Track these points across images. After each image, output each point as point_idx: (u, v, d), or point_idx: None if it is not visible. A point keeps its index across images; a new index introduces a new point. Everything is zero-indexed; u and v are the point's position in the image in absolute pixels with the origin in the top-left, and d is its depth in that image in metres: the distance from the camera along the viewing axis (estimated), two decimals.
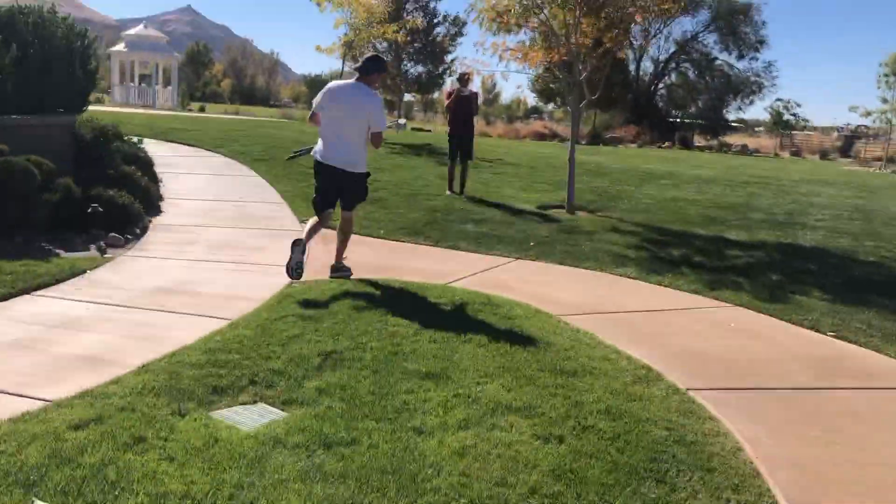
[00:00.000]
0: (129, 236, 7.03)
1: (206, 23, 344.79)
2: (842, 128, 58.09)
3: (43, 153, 7.09)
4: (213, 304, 5.08)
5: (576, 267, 6.88)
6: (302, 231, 6.04)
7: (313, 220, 5.92)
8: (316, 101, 5.77)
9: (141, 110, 25.81)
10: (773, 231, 9.29)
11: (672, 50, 48.34)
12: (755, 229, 9.31)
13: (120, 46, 32.54)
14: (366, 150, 5.70)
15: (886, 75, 31.20)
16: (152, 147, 12.29)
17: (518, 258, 7.11)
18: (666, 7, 8.99)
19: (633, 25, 9.43)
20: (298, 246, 5.59)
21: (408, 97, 48.60)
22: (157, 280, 5.63)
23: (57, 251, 6.31)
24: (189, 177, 10.27)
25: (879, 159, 32.69)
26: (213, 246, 6.89)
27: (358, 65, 5.84)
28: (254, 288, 5.51)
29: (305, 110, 53.76)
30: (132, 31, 32.82)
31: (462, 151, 10.59)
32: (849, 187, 16.76)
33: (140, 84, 34.20)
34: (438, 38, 41.06)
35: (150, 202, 8.20)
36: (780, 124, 47.22)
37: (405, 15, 30.05)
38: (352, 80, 5.77)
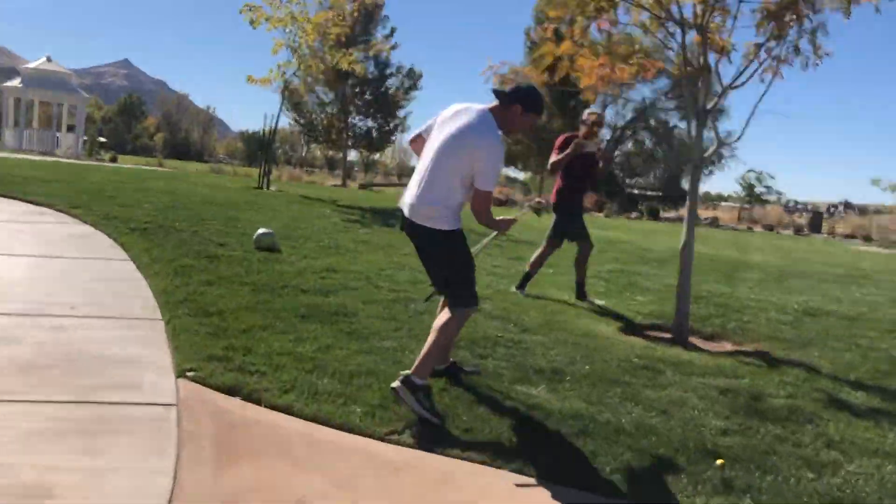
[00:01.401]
0: None
1: (143, 77, 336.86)
2: (790, 203, 57.54)
3: None
4: None
5: None
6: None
7: None
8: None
9: (37, 157, 20.83)
10: None
11: (630, 117, 45.73)
12: None
13: (15, 81, 27.06)
14: (460, 202, 3.49)
15: None
16: None
17: None
18: None
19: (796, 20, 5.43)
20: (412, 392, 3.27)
21: (353, 155, 44.54)
22: None
23: None
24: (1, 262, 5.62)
25: (850, 236, 31.51)
26: None
27: (502, 88, 3.64)
28: None
29: (238, 166, 48.45)
30: (31, 65, 27.42)
31: (575, 233, 6.70)
32: None
33: (41, 128, 28.90)
34: (390, 91, 37.26)
35: None
36: (753, 197, 44.98)
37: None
38: (482, 106, 3.55)
